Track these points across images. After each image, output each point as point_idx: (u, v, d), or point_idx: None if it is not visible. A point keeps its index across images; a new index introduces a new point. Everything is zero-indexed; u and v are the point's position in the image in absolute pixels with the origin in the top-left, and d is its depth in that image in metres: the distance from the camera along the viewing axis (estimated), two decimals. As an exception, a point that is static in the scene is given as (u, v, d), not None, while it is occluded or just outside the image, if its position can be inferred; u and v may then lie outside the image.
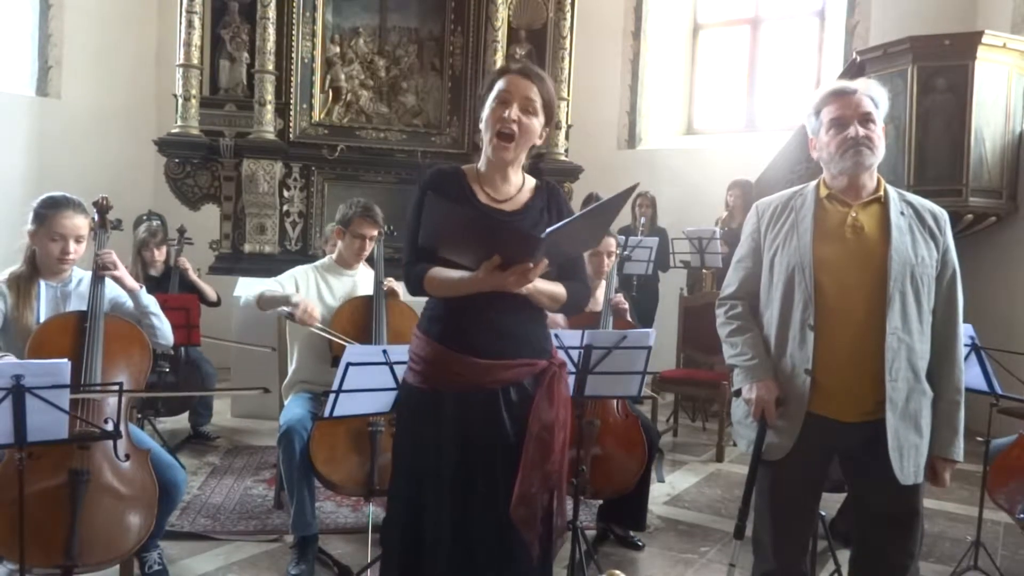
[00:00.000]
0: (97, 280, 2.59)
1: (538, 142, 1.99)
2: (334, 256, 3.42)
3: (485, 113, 1.94)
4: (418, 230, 1.87)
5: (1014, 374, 3.17)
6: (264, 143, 5.57)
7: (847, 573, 2.27)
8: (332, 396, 2.53)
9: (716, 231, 5.71)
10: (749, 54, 7.59)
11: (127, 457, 2.47)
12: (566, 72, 6.09)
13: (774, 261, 2.13)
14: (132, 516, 2.44)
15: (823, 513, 2.58)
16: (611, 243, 3.59)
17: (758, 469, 2.12)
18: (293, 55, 5.71)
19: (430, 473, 1.92)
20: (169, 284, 4.68)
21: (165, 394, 4.27)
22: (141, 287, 2.72)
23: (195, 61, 5.49)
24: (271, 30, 5.55)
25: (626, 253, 5.01)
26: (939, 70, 5.09)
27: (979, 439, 2.93)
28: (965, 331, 2.32)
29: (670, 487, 4.21)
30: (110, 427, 2.37)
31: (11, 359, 2.30)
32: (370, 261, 3.41)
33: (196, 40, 5.47)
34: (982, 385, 2.91)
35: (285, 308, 3.08)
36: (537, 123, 1.94)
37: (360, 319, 3.17)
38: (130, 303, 2.69)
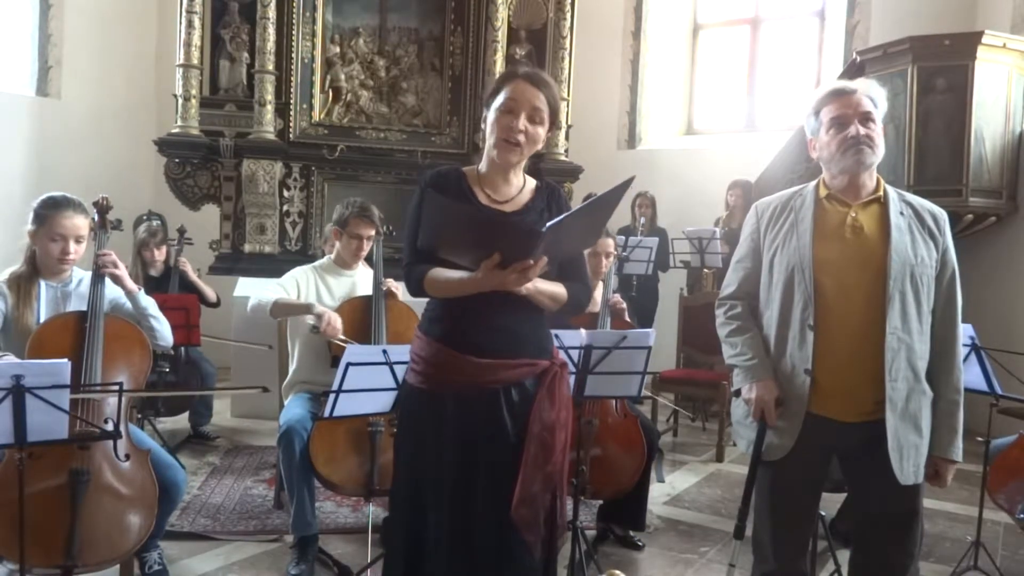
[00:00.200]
0: (97, 280, 2.59)
1: (539, 145, 1.99)
2: (333, 256, 3.42)
3: (490, 118, 1.92)
4: (418, 231, 1.86)
5: (1014, 374, 3.17)
6: (264, 143, 5.56)
7: (847, 573, 2.27)
8: (332, 396, 2.53)
9: (716, 231, 5.71)
10: (749, 54, 7.58)
11: (127, 457, 2.47)
12: (566, 72, 6.08)
13: (774, 261, 2.13)
14: (132, 516, 2.44)
15: (823, 513, 2.58)
16: (609, 244, 3.63)
17: (758, 469, 2.12)
18: (293, 55, 5.70)
19: (431, 473, 1.92)
20: (169, 284, 4.68)
21: (165, 394, 4.27)
22: (140, 289, 2.71)
23: (195, 61, 5.48)
24: (271, 30, 5.55)
25: (626, 253, 5.01)
26: (939, 70, 5.08)
27: (979, 439, 2.93)
28: (965, 331, 2.32)
29: (670, 487, 4.21)
30: (110, 427, 2.37)
31: (11, 359, 2.30)
32: (369, 261, 3.41)
33: (196, 40, 5.47)
34: (982, 385, 2.91)
35: (310, 319, 3.09)
36: (543, 131, 1.94)
37: (359, 319, 3.16)
38: (130, 304, 2.70)
